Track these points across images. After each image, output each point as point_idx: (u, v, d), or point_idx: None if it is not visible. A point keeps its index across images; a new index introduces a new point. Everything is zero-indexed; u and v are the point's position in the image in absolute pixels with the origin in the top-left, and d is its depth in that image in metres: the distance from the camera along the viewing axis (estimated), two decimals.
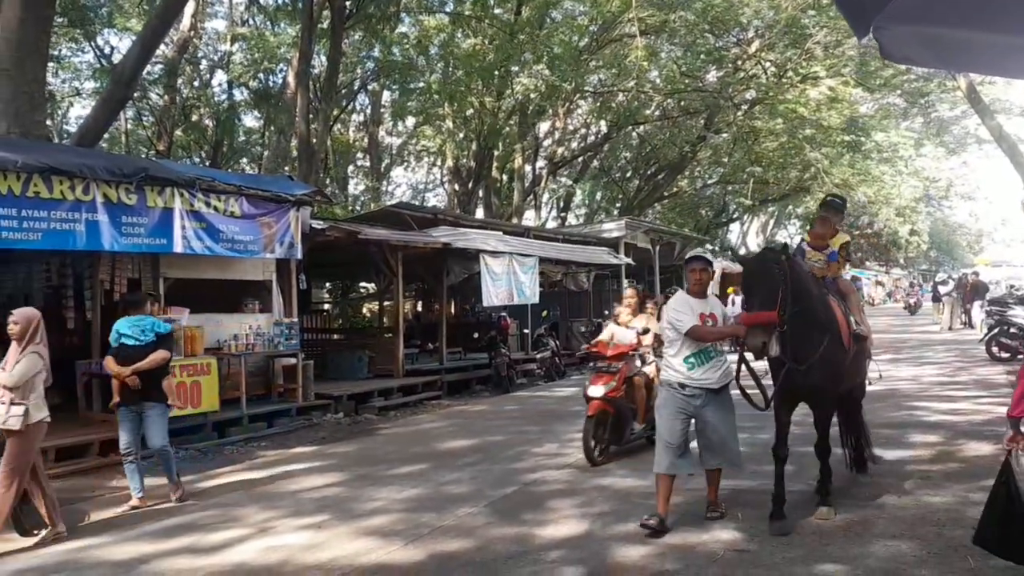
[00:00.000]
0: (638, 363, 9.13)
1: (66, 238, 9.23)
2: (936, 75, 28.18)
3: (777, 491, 6.07)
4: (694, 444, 6.40)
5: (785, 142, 31.09)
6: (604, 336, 9.31)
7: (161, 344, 7.70)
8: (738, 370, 6.13)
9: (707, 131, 31.16)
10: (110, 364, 7.64)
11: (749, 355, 6.03)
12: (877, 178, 34.26)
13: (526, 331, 20.13)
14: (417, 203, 35.37)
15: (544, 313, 21.14)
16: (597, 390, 8.47)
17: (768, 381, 6.38)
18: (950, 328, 28.03)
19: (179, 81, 27.14)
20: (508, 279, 17.03)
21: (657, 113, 31.11)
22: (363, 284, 26.59)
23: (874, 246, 65.85)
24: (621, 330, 9.13)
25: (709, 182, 40.39)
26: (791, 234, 64.39)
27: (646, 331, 8.80)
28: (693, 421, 6.23)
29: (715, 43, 27.21)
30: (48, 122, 18.24)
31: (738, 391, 6.29)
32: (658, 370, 8.14)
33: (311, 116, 21.33)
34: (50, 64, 17.14)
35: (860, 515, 6.30)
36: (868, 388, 7.73)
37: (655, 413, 6.49)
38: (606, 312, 22.10)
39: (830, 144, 30.68)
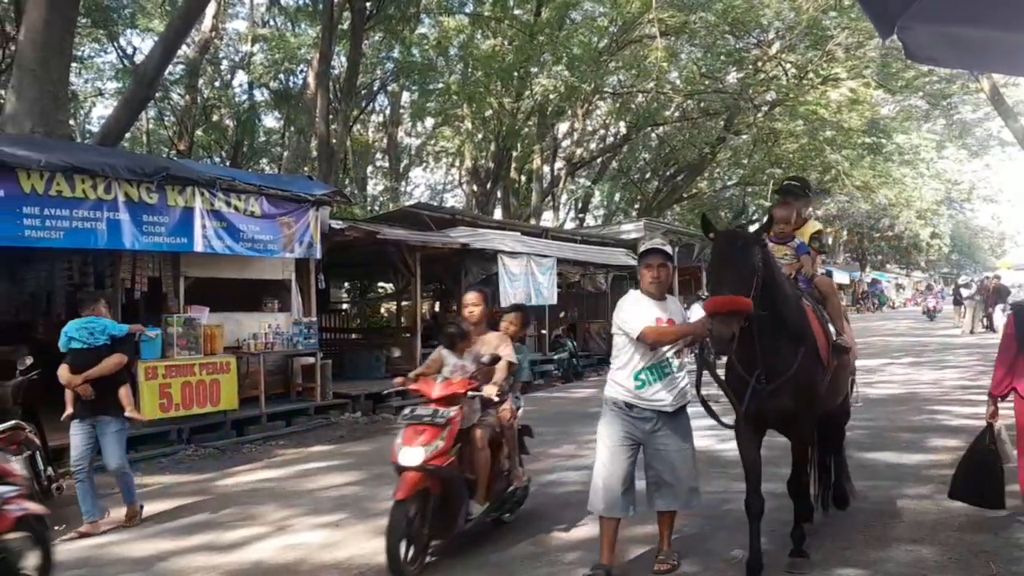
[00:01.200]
0: (478, 406, 5.82)
1: (88, 237, 9.32)
2: (959, 77, 27.96)
3: (752, 557, 5.01)
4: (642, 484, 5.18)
5: (805, 144, 30.89)
6: (424, 368, 6.26)
7: (117, 348, 6.86)
8: (699, 377, 5.10)
9: (727, 132, 31.03)
10: (62, 372, 6.76)
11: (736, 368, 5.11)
12: (898, 180, 34.01)
13: (543, 332, 20.11)
14: (435, 204, 35.42)
15: (562, 314, 21.10)
16: (412, 455, 5.27)
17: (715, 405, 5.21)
18: (971, 332, 27.76)
19: (200, 81, 27.32)
20: (526, 280, 17.03)
21: (677, 114, 31.01)
22: (381, 284, 26.62)
23: (895, 249, 65.39)
24: (453, 358, 6.01)
25: (728, 184, 40.21)
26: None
27: (495, 360, 5.89)
28: (641, 449, 5.06)
29: (735, 44, 27.05)
30: (71, 122, 18.41)
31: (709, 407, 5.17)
32: (514, 413, 6.18)
33: (331, 117, 21.41)
34: (73, 64, 17.28)
35: (880, 519, 6.25)
36: (855, 407, 6.59)
37: (598, 438, 5.13)
38: None
39: (851, 146, 30.47)
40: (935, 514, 6.33)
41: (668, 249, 5.16)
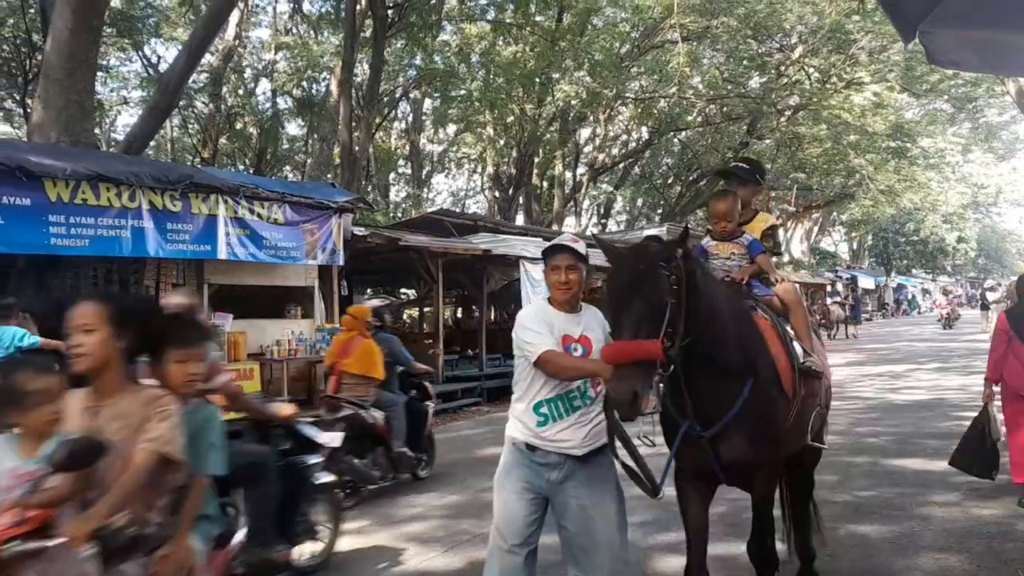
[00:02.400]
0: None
1: (113, 244, 9.41)
2: (984, 80, 27.67)
3: None
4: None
5: (829, 148, 30.73)
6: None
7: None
8: (610, 435, 3.74)
9: (750, 137, 30.90)
10: None
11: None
12: (923, 184, 33.72)
13: None
14: (457, 210, 35.49)
15: None
16: None
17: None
18: None
19: (224, 90, 27.52)
20: (544, 286, 17.00)
21: (699, 119, 30.90)
22: (403, 290, 26.73)
23: (920, 253, 64.82)
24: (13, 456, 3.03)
25: None
26: (836, 241, 63.74)
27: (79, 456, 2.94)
28: (550, 505, 3.90)
29: (758, 49, 26.96)
30: (97, 130, 18.59)
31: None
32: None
33: (353, 124, 21.50)
34: (99, 74, 17.47)
35: (907, 527, 6.18)
36: (821, 441, 5.08)
37: (493, 490, 4.02)
38: None
39: (875, 150, 30.27)
40: (963, 522, 6.26)
41: (580, 247, 3.86)
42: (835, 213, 49.69)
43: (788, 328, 4.48)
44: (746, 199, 4.93)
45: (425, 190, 39.43)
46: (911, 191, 33.54)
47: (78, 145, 11.51)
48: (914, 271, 69.18)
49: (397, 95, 31.23)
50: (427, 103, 33.55)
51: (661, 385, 3.72)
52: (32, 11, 18.84)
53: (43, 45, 13.79)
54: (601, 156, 32.80)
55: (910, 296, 62.78)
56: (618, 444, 3.73)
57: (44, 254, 9.38)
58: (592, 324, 3.86)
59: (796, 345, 4.37)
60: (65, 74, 11.73)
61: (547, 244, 4.03)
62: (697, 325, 3.58)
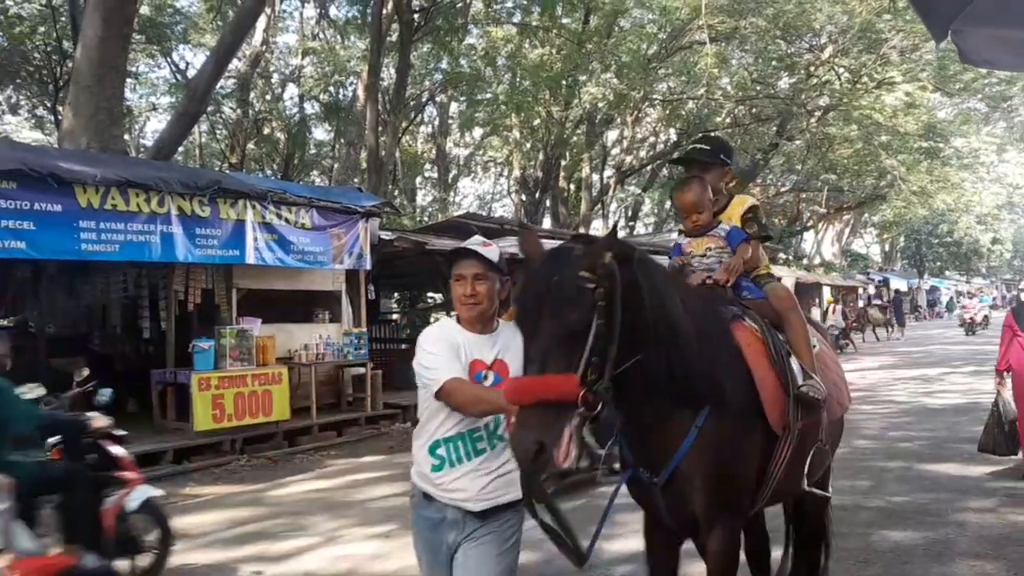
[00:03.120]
0: None
1: (142, 249, 9.48)
2: (1020, 78, 27.26)
3: None
4: None
5: (860, 149, 30.40)
6: None
7: None
8: (524, 489, 2.88)
9: (779, 138, 30.63)
10: None
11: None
12: (957, 185, 33.27)
13: None
14: (484, 213, 35.51)
15: None
16: None
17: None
18: None
19: (251, 95, 27.73)
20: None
21: (728, 120, 30.67)
22: (430, 294, 26.77)
23: (954, 255, 64.03)
24: None
25: (782, 190, 39.73)
26: (867, 243, 63.09)
27: None
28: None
29: (787, 49, 26.70)
30: (126, 136, 18.78)
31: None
32: None
33: (380, 128, 21.57)
34: (128, 80, 17.64)
35: (942, 533, 6.08)
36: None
37: None
38: None
39: (907, 150, 29.90)
40: (999, 528, 6.14)
41: (492, 252, 3.21)
42: (866, 215, 49.11)
43: (780, 340, 3.65)
44: (714, 185, 4.10)
45: (451, 194, 39.51)
46: (944, 192, 33.07)
47: (108, 151, 11.62)
48: (947, 273, 68.34)
49: (423, 99, 31.31)
50: (453, 107, 33.62)
51: (593, 429, 3.26)
52: (63, 19, 19.08)
53: (73, 53, 13.97)
54: (628, 158, 32.67)
55: (945, 298, 62.03)
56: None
57: (75, 259, 9.46)
58: (511, 346, 3.08)
59: (794, 363, 3.55)
60: (95, 81, 11.85)
61: (456, 247, 3.35)
62: (642, 349, 2.88)
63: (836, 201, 38.91)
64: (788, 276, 31.06)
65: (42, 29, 20.08)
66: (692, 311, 3.19)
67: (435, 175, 37.97)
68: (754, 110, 29.83)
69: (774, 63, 26.63)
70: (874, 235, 61.98)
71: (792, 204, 41.20)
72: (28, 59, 20.53)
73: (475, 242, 3.29)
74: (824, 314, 30.33)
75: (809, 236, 47.98)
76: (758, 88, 27.19)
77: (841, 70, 27.04)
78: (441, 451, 3.15)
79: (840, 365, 4.32)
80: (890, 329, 34.08)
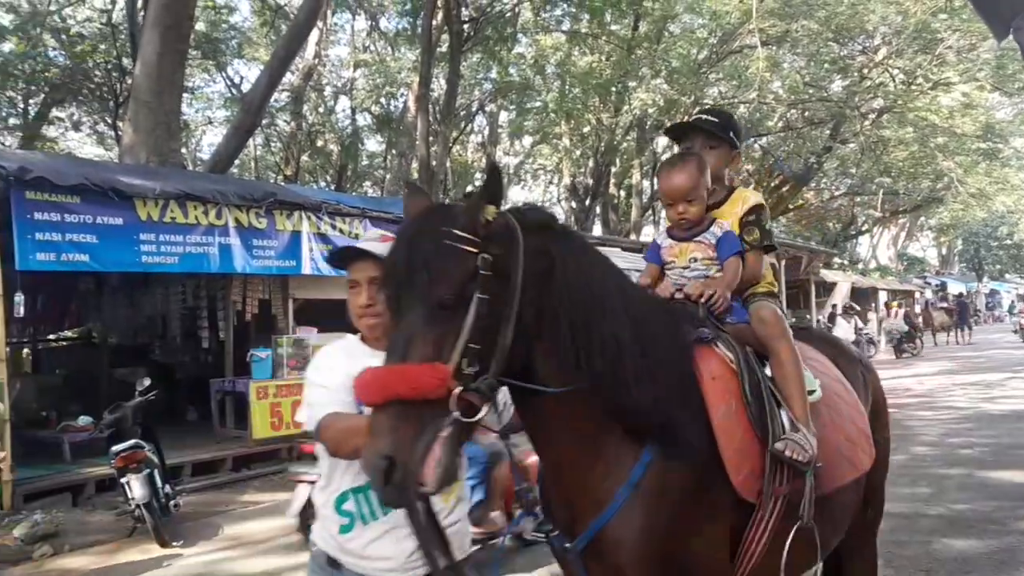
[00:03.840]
0: None
1: (200, 261, 9.64)
2: None
3: None
4: None
5: (916, 151, 29.85)
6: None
7: None
8: (422, 544, 2.31)
9: (833, 141, 30.19)
10: None
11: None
12: (1017, 186, 32.50)
13: None
14: None
15: None
16: None
17: None
18: None
19: (305, 108, 28.09)
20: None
21: (780, 124, 30.36)
22: None
23: (1014, 258, 62.48)
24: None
25: (836, 194, 39.13)
26: (924, 246, 61.86)
27: None
28: None
29: (839, 51, 26.37)
30: (183, 150, 19.16)
31: None
32: None
33: (431, 138, 21.69)
34: (184, 95, 18.00)
35: (1005, 542, 5.93)
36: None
37: None
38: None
39: (964, 152, 29.29)
40: None
41: (383, 248, 2.51)
42: (923, 218, 48.23)
43: (763, 380, 2.77)
44: (715, 169, 3.18)
45: (502, 203, 39.58)
46: (1003, 193, 32.34)
47: (166, 165, 11.86)
48: (1007, 276, 66.69)
49: (473, 109, 31.45)
50: (503, 116, 33.71)
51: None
52: (122, 37, 19.55)
53: (132, 70, 14.29)
54: None
55: (1006, 302, 60.53)
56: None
57: (136, 272, 9.65)
58: None
59: (783, 416, 2.71)
60: (153, 97, 12.10)
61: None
62: (555, 343, 2.28)
63: (891, 204, 38.25)
64: (843, 281, 30.59)
65: (103, 47, 20.56)
66: (636, 314, 2.46)
67: None
68: (807, 113, 29.43)
69: (826, 66, 26.31)
70: (931, 238, 60.79)
71: (847, 208, 40.58)
72: (89, 77, 21.03)
73: (371, 237, 2.75)
74: (880, 319, 29.84)
75: (864, 240, 47.26)
76: (810, 91, 26.87)
77: (896, 71, 26.61)
78: (349, 505, 2.52)
79: (862, 412, 3.26)
80: (958, 332, 33.34)
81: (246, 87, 25.09)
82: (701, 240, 3.05)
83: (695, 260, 3.05)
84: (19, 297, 8.43)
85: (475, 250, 2.13)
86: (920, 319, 31.86)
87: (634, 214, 30.22)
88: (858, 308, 26.34)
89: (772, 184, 36.10)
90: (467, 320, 2.08)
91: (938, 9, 23.58)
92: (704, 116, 3.41)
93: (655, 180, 32.72)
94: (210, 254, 9.72)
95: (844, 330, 22.46)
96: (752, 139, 30.86)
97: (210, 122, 30.49)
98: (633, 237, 27.43)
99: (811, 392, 2.89)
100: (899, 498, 5.50)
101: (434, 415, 2.00)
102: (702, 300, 2.85)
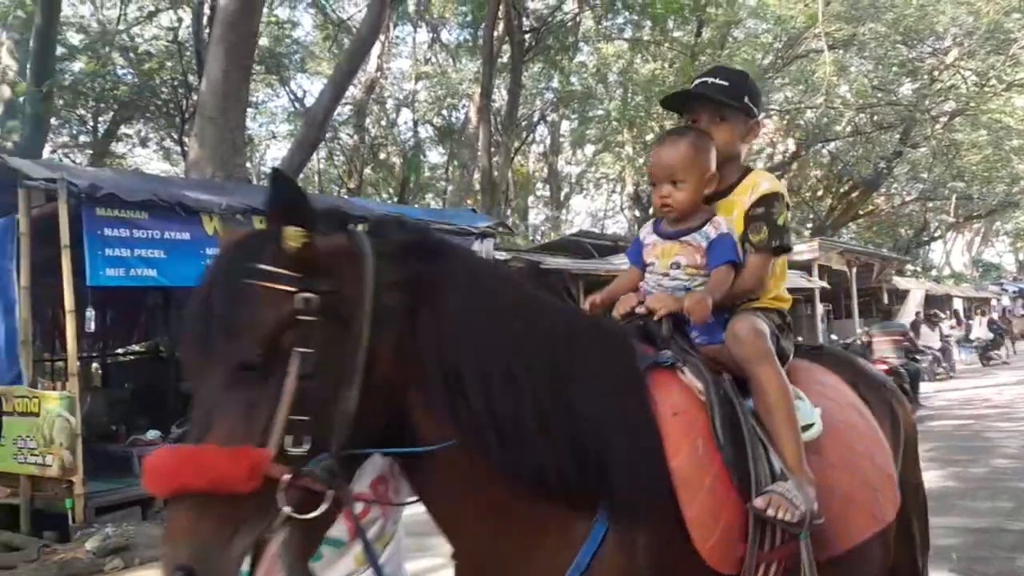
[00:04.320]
0: None
1: None
2: None
3: None
4: None
5: (990, 155, 29.17)
6: None
7: None
8: None
9: (903, 146, 29.58)
10: None
11: None
12: None
13: None
14: (597, 231, 35.34)
15: None
16: None
17: None
18: None
19: (367, 121, 28.33)
20: None
21: (848, 129, 29.80)
22: None
23: None
24: None
25: (907, 199, 38.25)
26: (1000, 252, 60.07)
27: None
28: None
29: (908, 54, 25.89)
30: (247, 164, 19.42)
31: None
32: None
33: (492, 149, 21.68)
34: (248, 110, 18.24)
35: None
36: None
37: None
38: (799, 339, 21.19)
39: None
40: None
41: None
42: (998, 223, 46.89)
43: (744, 418, 2.19)
44: (727, 146, 2.53)
45: (563, 212, 39.48)
46: None
47: (231, 180, 11.94)
48: None
49: (535, 118, 31.42)
50: (564, 125, 33.62)
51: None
52: (187, 54, 19.91)
53: (198, 86, 14.49)
54: None
55: None
56: None
57: None
58: None
59: (773, 459, 2.18)
60: (219, 113, 12.22)
61: None
62: (430, 385, 1.81)
63: (965, 209, 37.32)
64: (916, 288, 29.80)
65: (169, 64, 21.00)
66: (556, 342, 1.99)
67: (547, 194, 38.04)
68: (875, 117, 28.95)
69: (895, 69, 25.89)
70: (1007, 244, 59.10)
71: (919, 213, 39.66)
72: (156, 94, 21.49)
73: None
74: (967, 327, 29.02)
75: (938, 246, 46.05)
76: (879, 95, 26.47)
77: (967, 73, 26.02)
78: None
79: (886, 449, 2.61)
80: None
81: (309, 101, 25.43)
82: (688, 240, 2.43)
83: (677, 266, 2.44)
84: (90, 312, 8.52)
85: (291, 288, 1.63)
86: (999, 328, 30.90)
87: None
88: (942, 316, 25.58)
89: (841, 190, 35.47)
90: (286, 384, 1.60)
91: (1011, 8, 22.96)
92: (710, 80, 2.62)
93: None
94: None
95: (929, 338, 21.81)
96: (820, 144, 30.39)
97: (273, 136, 30.94)
98: None
99: (807, 427, 2.31)
100: (979, 513, 5.21)
101: (253, 512, 1.57)
102: (662, 315, 2.31)
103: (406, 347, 1.79)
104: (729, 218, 2.47)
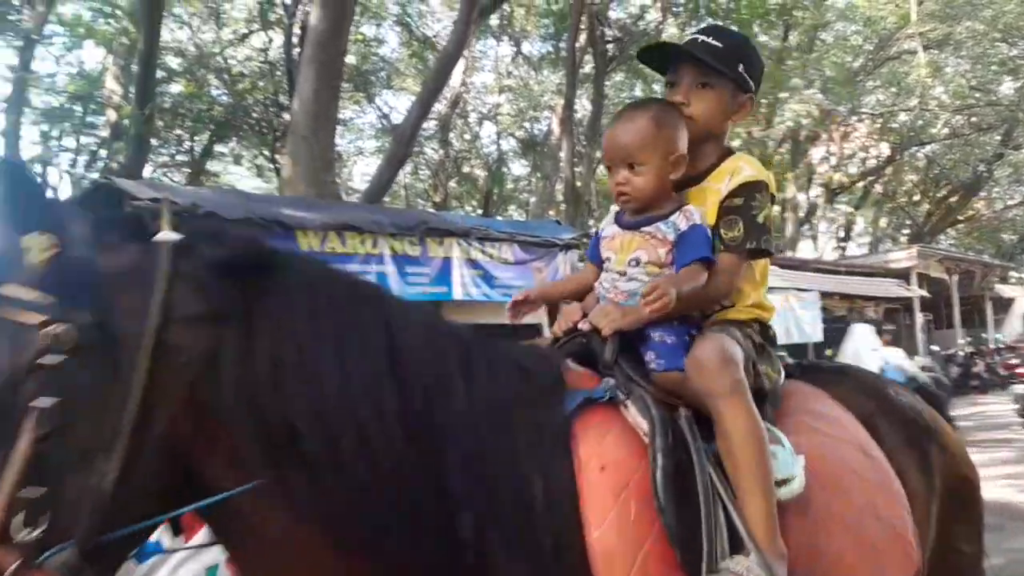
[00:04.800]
0: None
1: None
2: None
3: None
4: None
5: None
6: None
7: None
8: None
9: (1005, 147, 28.52)
10: None
11: None
12: None
13: None
14: None
15: (828, 351, 19.92)
16: None
17: None
18: None
19: (451, 135, 28.57)
20: (785, 316, 16.19)
21: (945, 131, 28.87)
22: None
23: None
24: None
25: (1010, 203, 36.82)
26: None
27: None
28: None
29: (1009, 52, 24.97)
30: (336, 180, 19.80)
31: None
32: None
33: (576, 160, 21.62)
34: (337, 127, 18.59)
35: None
36: None
37: None
38: (804, 360, 20.53)
39: None
40: None
41: None
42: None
43: (708, 462, 1.77)
44: (707, 119, 2.12)
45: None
46: None
47: (323, 197, 12.16)
48: None
49: None
50: None
51: None
52: (278, 73, 20.40)
53: (289, 105, 14.81)
54: (837, 175, 31.29)
55: None
56: None
57: None
58: None
59: (737, 524, 1.71)
60: (310, 131, 12.45)
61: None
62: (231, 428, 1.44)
63: None
64: (1023, 296, 28.61)
65: (261, 84, 21.54)
66: (428, 377, 1.61)
67: None
68: (974, 119, 28.04)
69: (994, 68, 25.11)
70: None
71: (1023, 218, 38.16)
72: (248, 113, 22.07)
73: None
74: None
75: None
76: (977, 95, 25.65)
77: None
78: None
79: (902, 504, 2.06)
80: None
81: (395, 117, 25.77)
82: (652, 232, 2.00)
83: (636, 263, 2.00)
84: None
85: (34, 319, 1.28)
86: None
87: (789, 229, 29.28)
88: None
89: (939, 195, 34.36)
90: (16, 448, 1.24)
91: None
92: (701, 39, 2.19)
93: (810, 191, 31.75)
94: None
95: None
96: (915, 148, 29.54)
97: (360, 152, 31.44)
98: (788, 253, 26.55)
99: (785, 481, 1.81)
100: None
101: None
102: (606, 333, 1.88)
103: (204, 401, 1.40)
104: (702, 209, 2.03)
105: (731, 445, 1.74)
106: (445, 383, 1.61)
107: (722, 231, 2.01)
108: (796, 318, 16.59)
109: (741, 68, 2.14)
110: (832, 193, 31.26)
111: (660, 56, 2.31)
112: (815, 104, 23.11)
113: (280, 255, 1.62)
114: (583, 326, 1.94)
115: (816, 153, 32.38)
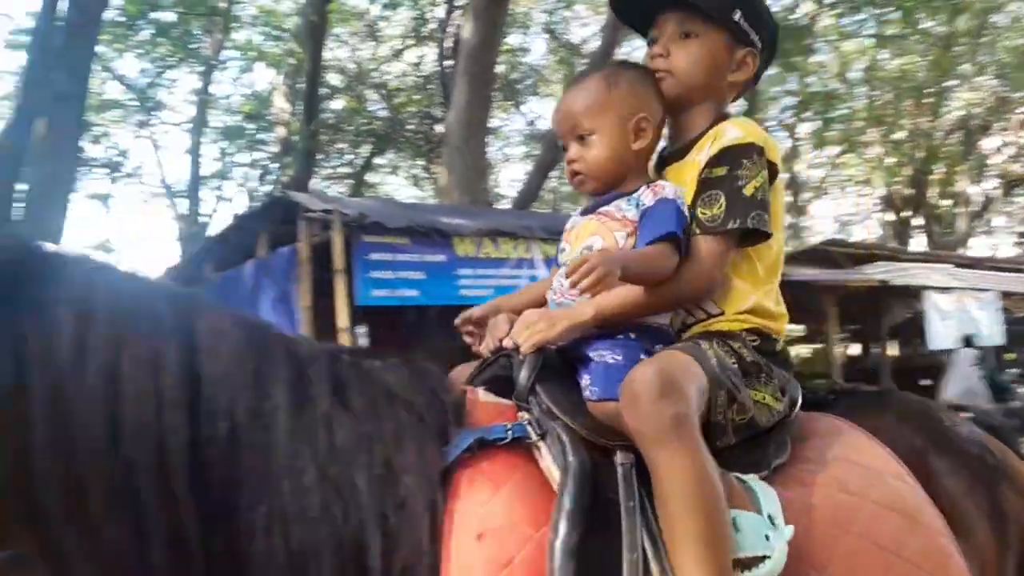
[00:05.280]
0: None
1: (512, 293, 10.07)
2: None
3: None
4: None
5: None
6: None
7: None
8: None
9: None
10: None
11: None
12: None
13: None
14: (842, 238, 33.69)
15: (1010, 355, 18.64)
16: None
17: None
18: None
19: None
20: (960, 317, 15.35)
21: None
22: (790, 325, 25.77)
23: None
24: None
25: None
26: None
27: None
28: None
29: None
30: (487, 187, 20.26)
31: None
32: None
33: None
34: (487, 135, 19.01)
35: None
36: None
37: None
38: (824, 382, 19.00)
39: None
40: None
41: None
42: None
43: (644, 520, 1.38)
44: (688, 74, 1.78)
45: (802, 218, 37.98)
46: None
47: (477, 204, 12.52)
48: None
49: (769, 124, 30.47)
50: (800, 128, 32.37)
51: None
52: (430, 86, 21.04)
53: (443, 116, 15.27)
54: (1015, 167, 29.44)
55: None
56: None
57: (454, 304, 10.24)
58: None
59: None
60: (463, 141, 12.83)
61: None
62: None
63: None
64: None
65: (416, 97, 22.24)
66: (256, 419, 1.30)
67: (787, 200, 36.77)
68: None
69: None
70: None
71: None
72: (404, 126, 22.83)
73: None
74: None
75: None
76: None
77: None
78: None
79: (947, 556, 1.57)
80: None
81: (541, 123, 26.00)
82: (609, 212, 1.68)
83: (588, 251, 1.66)
84: (361, 329, 9.32)
85: None
86: None
87: (962, 225, 27.77)
88: None
89: None
90: None
91: None
92: None
93: (983, 184, 29.91)
94: (520, 286, 10.07)
95: None
96: None
97: (507, 159, 31.87)
98: (960, 250, 25.19)
99: (753, 562, 1.37)
100: None
101: None
102: (525, 350, 1.53)
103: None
104: (682, 188, 1.68)
105: (662, 507, 1.33)
106: (247, 419, 1.27)
107: (699, 210, 1.63)
108: (973, 320, 15.67)
109: (738, 16, 1.77)
110: (1009, 185, 29.42)
111: (641, 9, 1.87)
112: (989, 91, 21.85)
113: (43, 257, 1.29)
114: (507, 343, 1.60)
115: (989, 143, 30.62)
